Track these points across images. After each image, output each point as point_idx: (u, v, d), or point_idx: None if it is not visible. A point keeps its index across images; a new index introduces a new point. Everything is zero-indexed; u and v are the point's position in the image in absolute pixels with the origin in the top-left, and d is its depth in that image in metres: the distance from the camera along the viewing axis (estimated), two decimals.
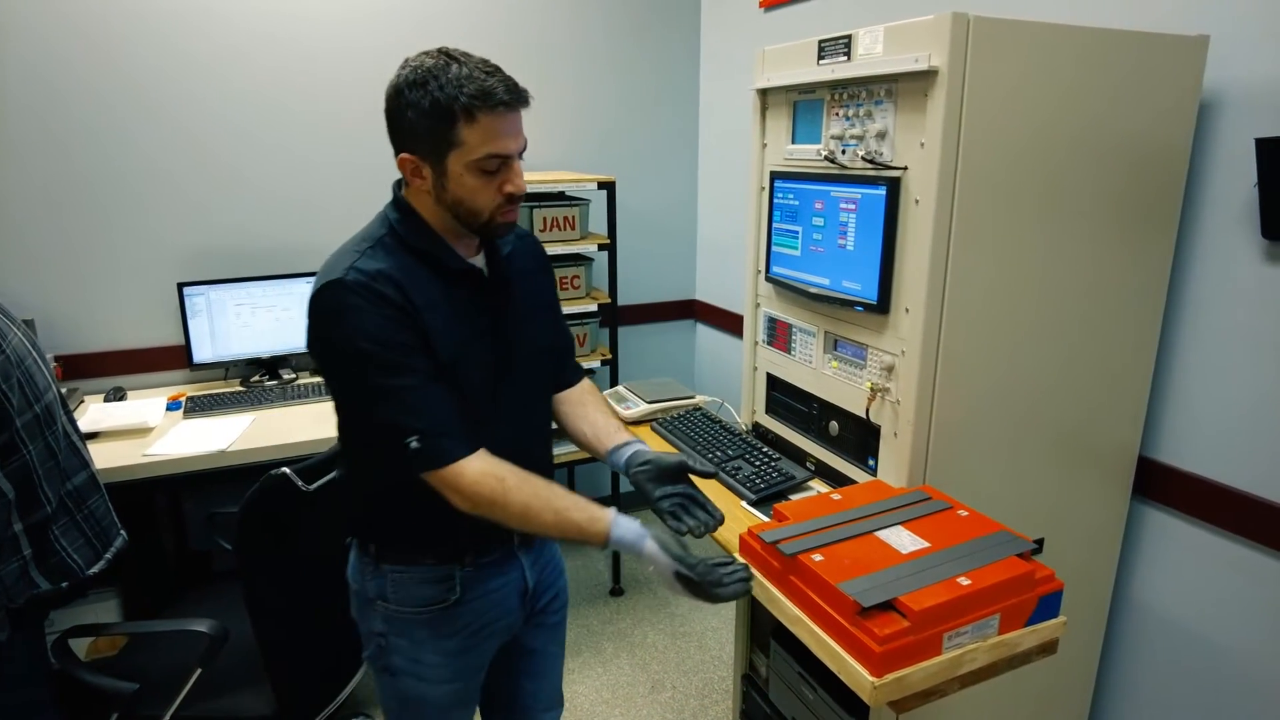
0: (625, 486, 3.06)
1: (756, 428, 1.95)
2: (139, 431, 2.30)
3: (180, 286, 2.61)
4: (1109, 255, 1.52)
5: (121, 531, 1.59)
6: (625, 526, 1.19)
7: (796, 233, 1.65)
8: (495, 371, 1.27)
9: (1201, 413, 1.64)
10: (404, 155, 1.17)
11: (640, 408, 2.01)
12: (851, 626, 1.04)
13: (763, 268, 1.79)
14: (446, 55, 1.14)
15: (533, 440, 1.38)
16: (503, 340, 1.28)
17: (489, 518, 1.17)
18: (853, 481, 1.55)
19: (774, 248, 1.73)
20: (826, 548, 1.16)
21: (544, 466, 1.36)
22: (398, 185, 1.25)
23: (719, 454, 1.73)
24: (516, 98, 1.14)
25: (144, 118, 2.56)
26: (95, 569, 1.49)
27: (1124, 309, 1.57)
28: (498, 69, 1.15)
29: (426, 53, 1.16)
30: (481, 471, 1.16)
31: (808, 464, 1.72)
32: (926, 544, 1.16)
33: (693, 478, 1.33)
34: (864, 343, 1.52)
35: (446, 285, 1.21)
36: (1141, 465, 1.72)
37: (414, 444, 1.13)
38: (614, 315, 2.84)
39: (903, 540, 1.18)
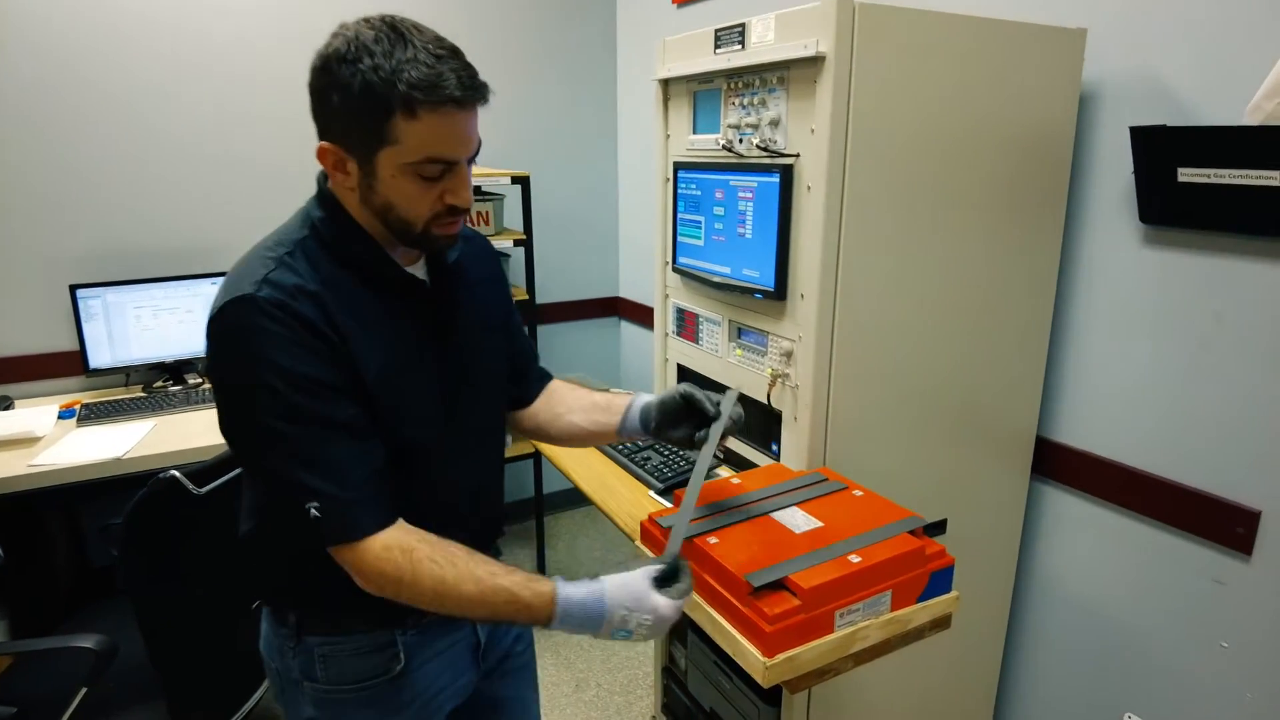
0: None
1: None
2: (25, 441, 2.18)
3: (73, 289, 2.49)
4: (1001, 241, 1.56)
5: None
6: (575, 586, 1.00)
7: (700, 223, 1.65)
8: (442, 404, 1.09)
9: (1093, 393, 1.70)
10: (325, 144, 0.96)
11: None
12: (743, 607, 1.04)
13: (670, 259, 1.80)
14: (391, 27, 0.92)
15: (486, 479, 1.22)
16: (450, 365, 1.10)
17: (396, 600, 0.98)
18: (758, 467, 1.56)
19: (679, 238, 1.73)
20: (722, 530, 1.16)
21: (496, 506, 1.26)
22: (324, 176, 1.04)
23: (630, 446, 1.72)
24: (472, 93, 0.94)
25: (26, 109, 2.43)
26: None
27: (1017, 293, 1.62)
28: (454, 51, 0.94)
29: (367, 20, 0.93)
30: (385, 545, 0.97)
31: (717, 452, 1.72)
32: (820, 523, 1.17)
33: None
34: (765, 329, 1.53)
35: (381, 300, 1.02)
36: (1039, 445, 1.78)
37: (313, 511, 0.94)
38: (533, 313, 2.81)
39: (797, 521, 1.19)
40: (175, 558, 1.60)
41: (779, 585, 1.05)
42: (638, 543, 1.29)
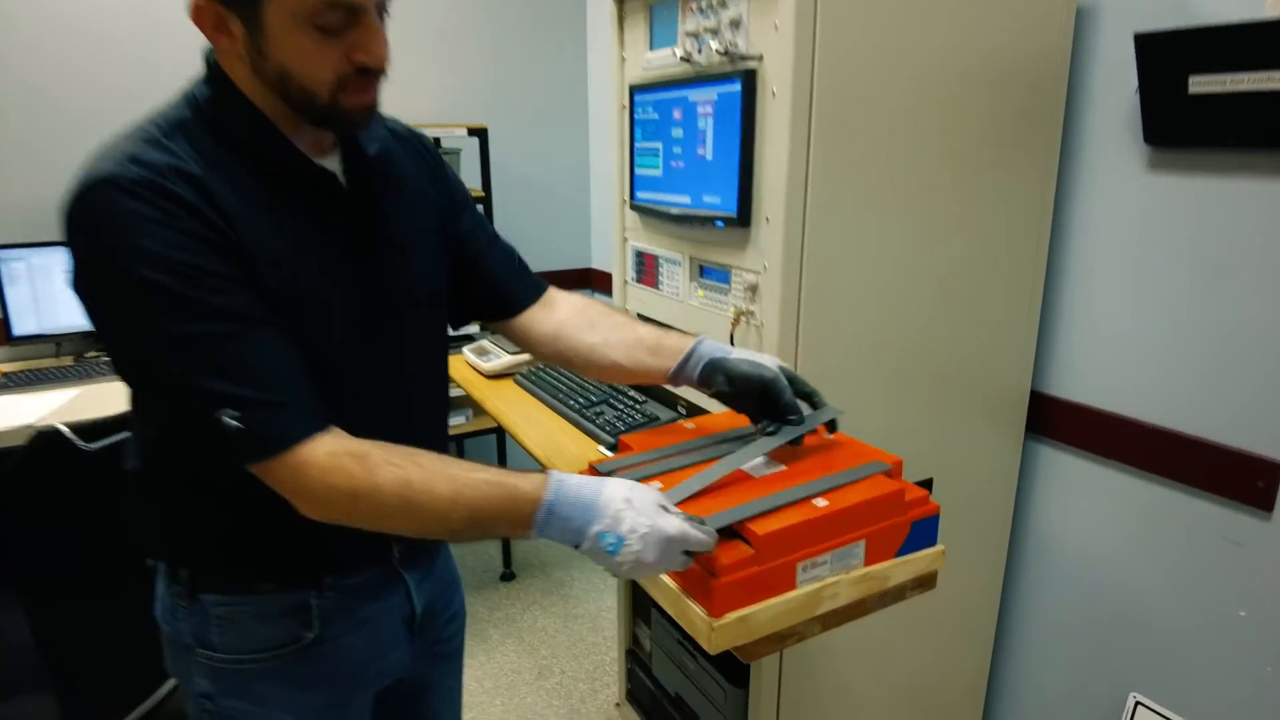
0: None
1: None
2: None
3: None
4: (990, 169, 1.40)
5: None
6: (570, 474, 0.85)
7: (657, 150, 1.48)
8: (357, 322, 0.91)
9: (1093, 340, 1.54)
10: (199, 0, 0.80)
11: (502, 359, 1.82)
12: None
13: (628, 195, 1.63)
14: None
15: (417, 417, 1.03)
16: (371, 278, 0.93)
17: (352, 523, 0.82)
18: (717, 413, 1.39)
19: (636, 170, 1.57)
20: (668, 475, 0.99)
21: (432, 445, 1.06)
22: (213, 51, 0.86)
23: (581, 400, 1.55)
24: None
25: None
26: None
27: (1008, 227, 1.46)
28: None
29: None
30: (330, 453, 0.80)
31: (680, 406, 1.55)
32: (783, 467, 1.01)
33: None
34: (727, 264, 1.37)
35: (283, 196, 0.86)
36: (1034, 400, 1.62)
37: (231, 420, 0.77)
38: None
39: (756, 464, 1.02)
40: (64, 528, 1.42)
41: (730, 534, 0.88)
42: None
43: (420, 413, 1.04)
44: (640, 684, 1.85)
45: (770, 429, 1.03)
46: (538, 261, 3.21)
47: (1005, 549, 1.70)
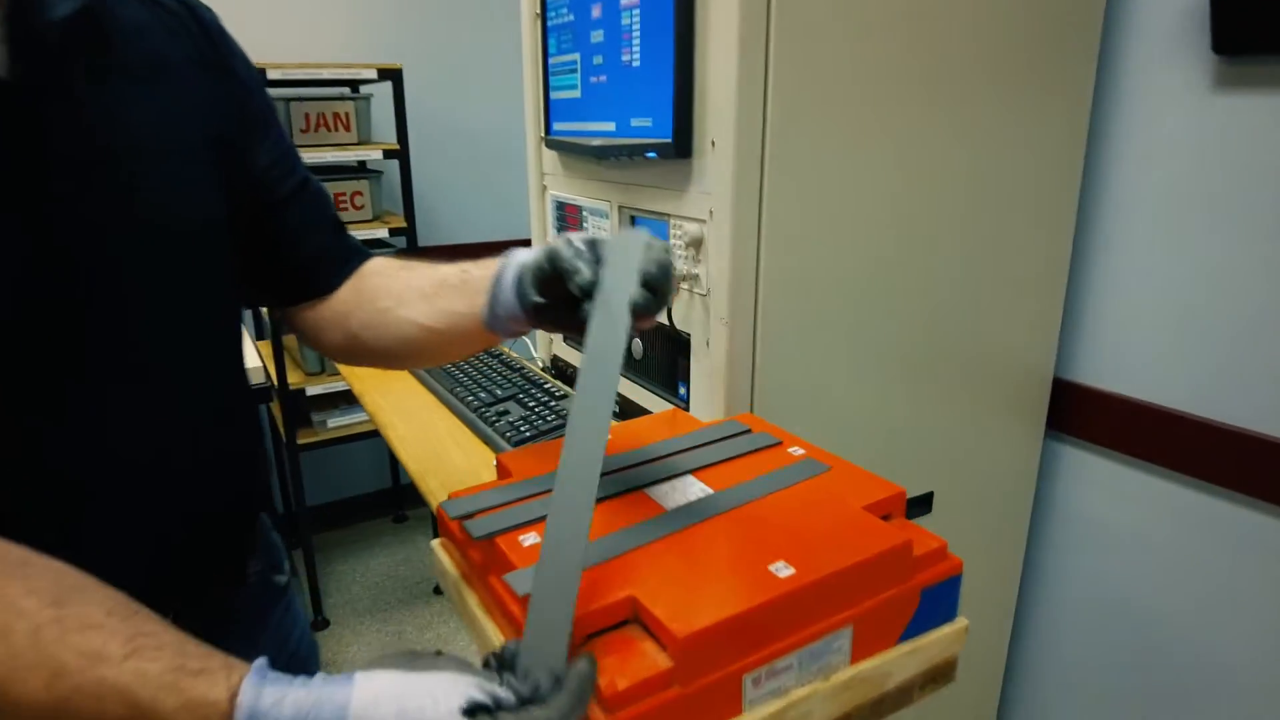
0: None
1: (555, 362, 1.44)
2: None
3: None
4: (1006, 91, 1.07)
5: None
6: (288, 688, 0.44)
7: (574, 65, 1.13)
8: (39, 300, 0.58)
9: (1134, 316, 1.23)
10: None
11: None
12: None
13: (543, 128, 1.28)
14: None
15: (170, 439, 0.67)
16: (59, 226, 0.58)
17: None
18: (644, 416, 1.05)
19: (551, 94, 1.22)
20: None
21: (209, 482, 0.71)
22: None
23: (484, 395, 1.21)
24: None
25: None
26: None
27: (1030, 170, 1.13)
28: None
29: None
30: None
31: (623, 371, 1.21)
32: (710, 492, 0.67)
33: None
34: (665, 212, 1.02)
35: None
36: (1058, 390, 1.30)
37: None
38: (413, 244, 2.27)
39: (690, 500, 0.68)
40: None
41: (633, 624, 0.54)
42: (437, 549, 0.76)
43: (180, 419, 0.67)
44: None
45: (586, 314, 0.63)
46: (467, 231, 2.81)
47: (1018, 576, 1.39)
